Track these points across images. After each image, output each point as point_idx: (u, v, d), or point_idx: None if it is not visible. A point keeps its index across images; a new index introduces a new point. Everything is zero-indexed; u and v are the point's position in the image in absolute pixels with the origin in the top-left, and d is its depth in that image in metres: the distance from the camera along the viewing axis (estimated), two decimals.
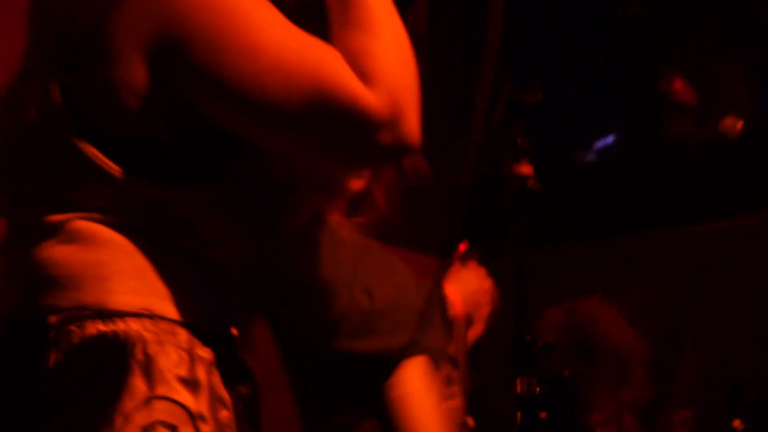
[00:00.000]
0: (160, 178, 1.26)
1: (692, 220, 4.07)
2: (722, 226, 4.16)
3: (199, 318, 1.29)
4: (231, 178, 1.31)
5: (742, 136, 3.42)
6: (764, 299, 3.72)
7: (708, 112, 3.66)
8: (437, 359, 2.14)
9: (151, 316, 1.23)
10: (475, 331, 2.33)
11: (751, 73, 4.64)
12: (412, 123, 1.28)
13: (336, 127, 1.23)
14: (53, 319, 1.21)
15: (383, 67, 1.25)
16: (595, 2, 4.61)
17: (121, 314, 1.22)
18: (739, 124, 3.43)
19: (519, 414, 1.82)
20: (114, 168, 1.24)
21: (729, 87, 4.69)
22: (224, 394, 1.29)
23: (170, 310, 1.26)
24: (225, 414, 1.28)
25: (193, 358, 1.25)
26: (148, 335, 1.21)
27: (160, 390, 1.20)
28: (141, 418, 1.18)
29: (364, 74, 1.23)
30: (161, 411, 1.19)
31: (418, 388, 2.02)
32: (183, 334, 1.25)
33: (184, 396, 1.22)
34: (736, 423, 3.12)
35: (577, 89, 4.27)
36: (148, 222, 1.27)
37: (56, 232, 1.26)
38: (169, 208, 1.27)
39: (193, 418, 1.23)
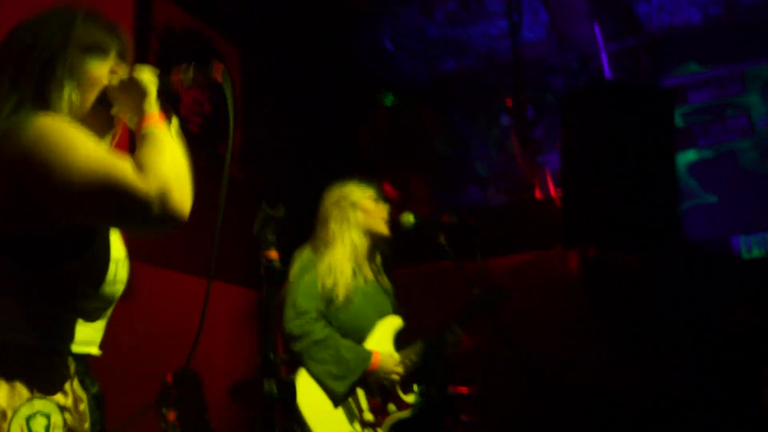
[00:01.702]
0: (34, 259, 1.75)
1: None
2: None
3: (64, 344, 1.80)
4: (84, 257, 1.79)
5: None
6: None
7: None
8: None
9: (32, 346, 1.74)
10: None
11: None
12: (178, 202, 1.71)
13: (120, 204, 1.68)
14: None
15: (156, 167, 1.72)
16: None
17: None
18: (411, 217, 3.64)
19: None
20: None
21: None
22: (82, 393, 1.83)
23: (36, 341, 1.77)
24: (83, 406, 1.81)
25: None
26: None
27: (38, 393, 1.73)
28: (26, 410, 1.69)
29: (143, 172, 1.70)
30: (39, 405, 1.71)
31: None
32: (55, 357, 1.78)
33: (56, 396, 1.76)
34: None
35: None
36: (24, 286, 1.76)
37: None
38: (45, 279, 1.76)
39: (61, 410, 1.75)
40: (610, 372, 4.55)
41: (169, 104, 1.91)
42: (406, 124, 6.34)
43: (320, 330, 3.50)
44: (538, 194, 5.82)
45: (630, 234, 4.39)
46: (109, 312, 1.92)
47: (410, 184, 5.97)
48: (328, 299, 3.61)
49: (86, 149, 1.71)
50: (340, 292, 3.60)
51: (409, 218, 3.60)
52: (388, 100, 6.25)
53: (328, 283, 3.60)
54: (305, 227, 3.82)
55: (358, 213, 3.72)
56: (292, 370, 3.46)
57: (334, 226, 3.71)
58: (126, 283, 1.92)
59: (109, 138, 1.97)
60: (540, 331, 4.69)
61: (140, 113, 1.89)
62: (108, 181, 1.68)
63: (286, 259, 3.27)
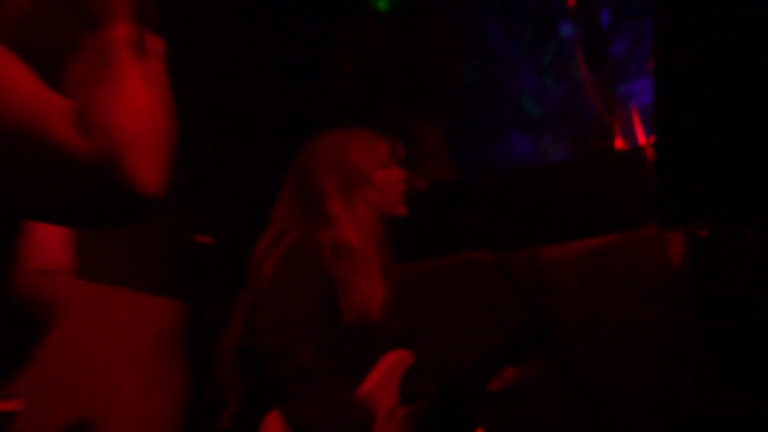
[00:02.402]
0: None
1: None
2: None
3: None
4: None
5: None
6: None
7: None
8: None
9: None
10: None
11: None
12: (136, 172, 1.37)
13: (41, 170, 1.36)
14: None
15: (107, 120, 1.38)
16: None
17: None
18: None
19: None
20: None
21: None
22: None
23: None
24: None
25: None
26: None
27: None
28: None
29: (84, 126, 1.37)
30: None
31: None
32: None
33: None
34: None
35: None
36: None
37: None
38: None
39: None
40: (721, 397, 4.13)
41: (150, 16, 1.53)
42: (412, 40, 5.59)
43: (309, 355, 3.20)
44: (618, 144, 5.23)
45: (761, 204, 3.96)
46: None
47: (422, 132, 5.39)
48: (330, 305, 3.34)
49: (14, 76, 1.41)
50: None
51: (421, 186, 3.39)
52: (383, 1, 5.46)
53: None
54: (260, 196, 3.64)
55: (370, 190, 3.45)
56: (255, 410, 3.17)
57: (336, 204, 3.42)
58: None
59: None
60: (624, 347, 4.30)
61: (97, 14, 1.51)
62: (25, 130, 1.36)
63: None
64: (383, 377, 3.47)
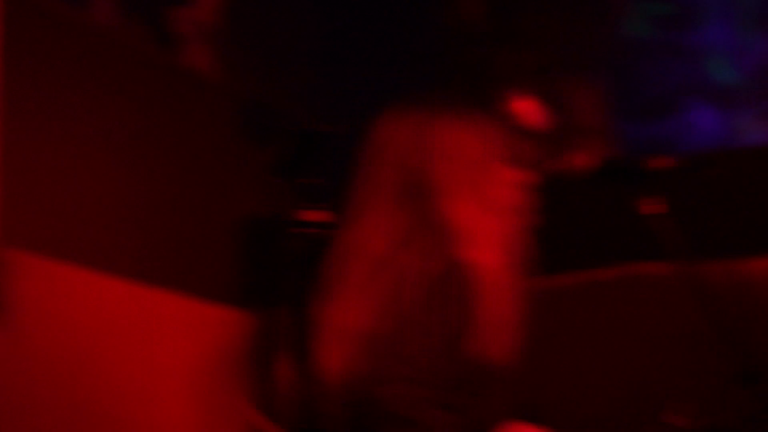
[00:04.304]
0: None
1: None
2: None
3: None
4: None
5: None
6: None
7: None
8: None
9: None
10: None
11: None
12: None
13: None
14: None
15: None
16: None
17: None
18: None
19: None
20: None
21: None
22: None
23: None
24: None
25: None
26: None
27: None
28: None
29: None
30: None
31: None
32: None
33: None
34: None
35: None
36: None
37: None
38: None
39: None
40: None
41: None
42: None
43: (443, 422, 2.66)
44: None
45: None
46: None
47: (574, 101, 4.70)
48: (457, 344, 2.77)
49: None
50: None
51: (586, 166, 2.89)
52: None
53: None
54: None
55: (495, 188, 2.74)
56: None
57: (462, 213, 2.73)
58: None
59: None
60: None
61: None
62: None
63: None
64: None
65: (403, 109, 2.74)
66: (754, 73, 4.94)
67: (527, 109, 3.50)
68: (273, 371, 3.93)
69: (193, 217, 3.73)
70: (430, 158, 2.76)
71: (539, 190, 2.84)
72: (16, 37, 3.05)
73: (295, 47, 4.59)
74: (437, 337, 2.74)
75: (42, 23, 3.19)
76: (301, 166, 3.75)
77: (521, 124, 3.35)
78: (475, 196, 2.74)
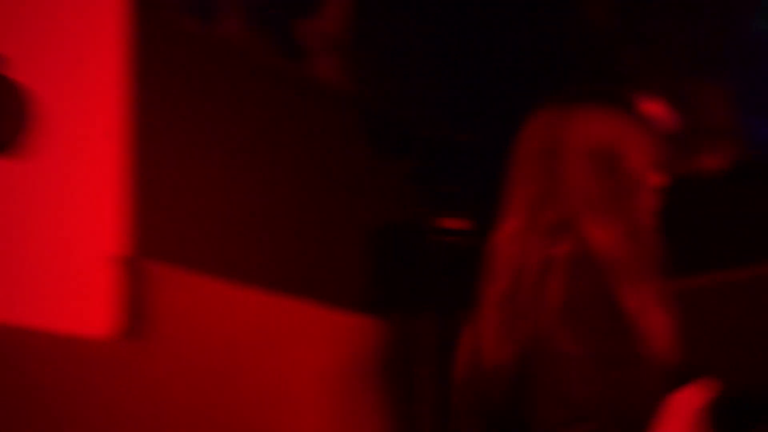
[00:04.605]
0: None
1: None
2: None
3: None
4: None
5: None
6: None
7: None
8: None
9: None
10: None
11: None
12: None
13: None
14: None
15: None
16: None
17: None
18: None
19: None
20: None
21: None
22: None
23: None
24: None
25: None
26: None
27: None
28: None
29: None
30: None
31: None
32: None
33: None
34: None
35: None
36: None
37: None
38: None
39: None
40: None
41: None
42: None
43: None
44: None
45: None
46: None
47: (700, 98, 4.49)
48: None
49: None
50: None
51: (716, 167, 3.20)
52: None
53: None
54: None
55: (642, 194, 2.65)
56: None
57: (602, 215, 2.61)
58: None
59: None
60: None
61: None
62: None
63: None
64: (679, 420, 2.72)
65: (547, 108, 2.68)
66: None
67: (655, 110, 3.37)
68: (411, 382, 3.91)
69: (327, 226, 3.72)
70: (573, 158, 2.67)
71: (670, 192, 2.72)
72: (149, 52, 3.05)
73: (423, 55, 4.53)
74: (589, 361, 2.60)
75: (174, 39, 3.22)
76: (439, 175, 3.70)
77: (652, 125, 3.24)
78: (619, 205, 2.66)
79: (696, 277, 3.75)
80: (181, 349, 3.34)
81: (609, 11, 4.63)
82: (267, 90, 3.54)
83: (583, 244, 2.61)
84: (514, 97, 3.77)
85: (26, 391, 2.76)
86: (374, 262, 3.91)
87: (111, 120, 2.93)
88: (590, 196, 2.64)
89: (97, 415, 2.90)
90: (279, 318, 3.65)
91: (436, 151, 3.88)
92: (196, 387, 3.42)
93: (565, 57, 4.54)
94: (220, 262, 3.57)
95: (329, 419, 3.91)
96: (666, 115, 3.52)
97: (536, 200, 2.66)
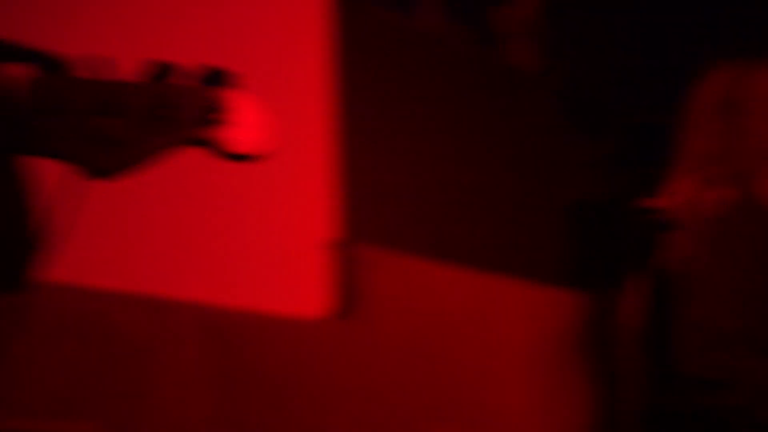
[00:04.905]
0: None
1: None
2: None
3: None
4: None
5: None
6: None
7: None
8: None
9: None
10: None
11: None
12: None
13: None
14: None
15: None
16: None
17: None
18: None
19: None
20: None
21: None
22: None
23: None
24: None
25: None
26: None
27: None
28: None
29: None
30: None
31: None
32: None
33: None
34: None
35: None
36: None
37: None
38: None
39: None
40: None
41: None
42: None
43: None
44: None
45: None
46: None
47: None
48: None
49: None
50: None
51: None
52: None
53: None
54: None
55: None
56: None
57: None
58: None
59: None
60: None
61: None
62: None
63: None
64: None
65: (727, 63, 2.74)
66: None
67: None
68: (614, 356, 3.95)
69: (528, 205, 3.71)
70: (759, 111, 2.71)
71: None
72: (352, 44, 3.10)
73: (616, 38, 4.48)
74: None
75: (376, 30, 3.26)
76: (637, 155, 3.68)
77: None
78: None
79: None
80: (391, 327, 3.38)
81: None
82: (466, 77, 3.55)
83: (752, 196, 2.67)
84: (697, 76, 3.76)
85: (250, 368, 2.84)
86: (575, 238, 3.91)
87: (319, 109, 3.00)
88: None
89: (314, 390, 2.98)
90: (484, 295, 3.67)
91: (634, 133, 3.84)
92: (405, 363, 3.45)
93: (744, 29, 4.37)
94: (426, 243, 3.60)
95: (533, 393, 3.92)
96: None
97: (712, 155, 2.72)
